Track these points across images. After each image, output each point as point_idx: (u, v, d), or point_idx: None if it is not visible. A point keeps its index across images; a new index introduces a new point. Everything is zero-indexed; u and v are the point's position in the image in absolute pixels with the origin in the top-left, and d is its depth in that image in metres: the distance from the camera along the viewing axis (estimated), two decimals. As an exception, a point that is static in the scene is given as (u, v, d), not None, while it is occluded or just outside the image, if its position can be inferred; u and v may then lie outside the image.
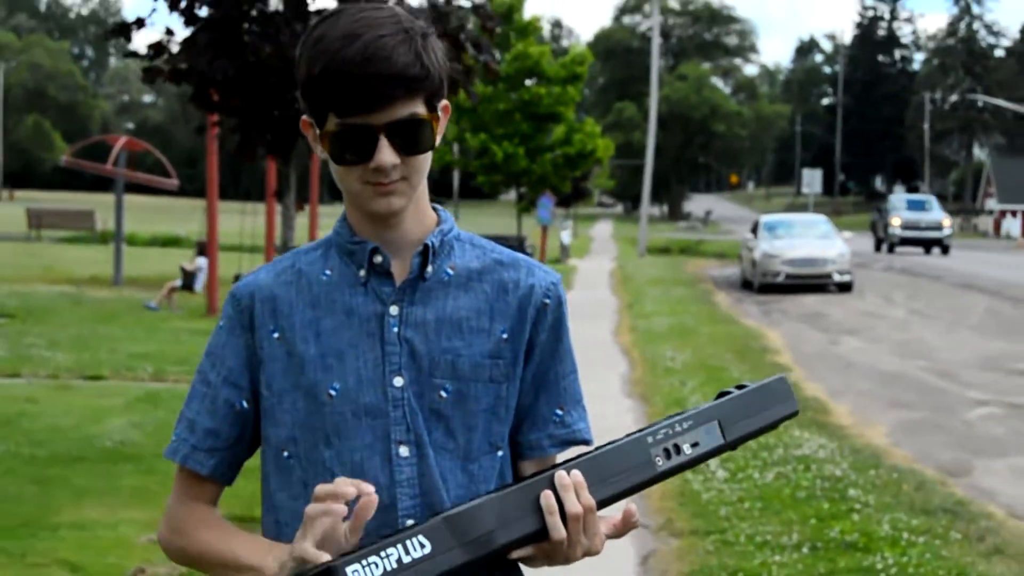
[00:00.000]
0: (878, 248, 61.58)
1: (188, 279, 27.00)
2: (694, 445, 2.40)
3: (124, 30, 11.65)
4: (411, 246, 2.49)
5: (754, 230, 38.95)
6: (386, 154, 2.34)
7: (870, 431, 13.65)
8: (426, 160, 2.43)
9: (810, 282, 35.25)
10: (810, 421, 13.86)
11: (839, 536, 9.00)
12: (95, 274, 34.03)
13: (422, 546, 2.14)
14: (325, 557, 2.17)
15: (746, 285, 37.84)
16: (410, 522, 2.36)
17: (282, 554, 2.31)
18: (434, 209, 2.57)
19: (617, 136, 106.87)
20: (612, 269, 43.82)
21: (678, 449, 2.38)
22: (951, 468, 11.89)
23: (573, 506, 2.27)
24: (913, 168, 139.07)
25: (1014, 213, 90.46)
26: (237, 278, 19.20)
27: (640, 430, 2.41)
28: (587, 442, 2.58)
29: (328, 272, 2.50)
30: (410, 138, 2.37)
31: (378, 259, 2.46)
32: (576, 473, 2.30)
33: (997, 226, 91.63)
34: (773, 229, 37.99)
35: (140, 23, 11.64)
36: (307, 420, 2.44)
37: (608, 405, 14.26)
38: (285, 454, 2.47)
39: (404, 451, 2.41)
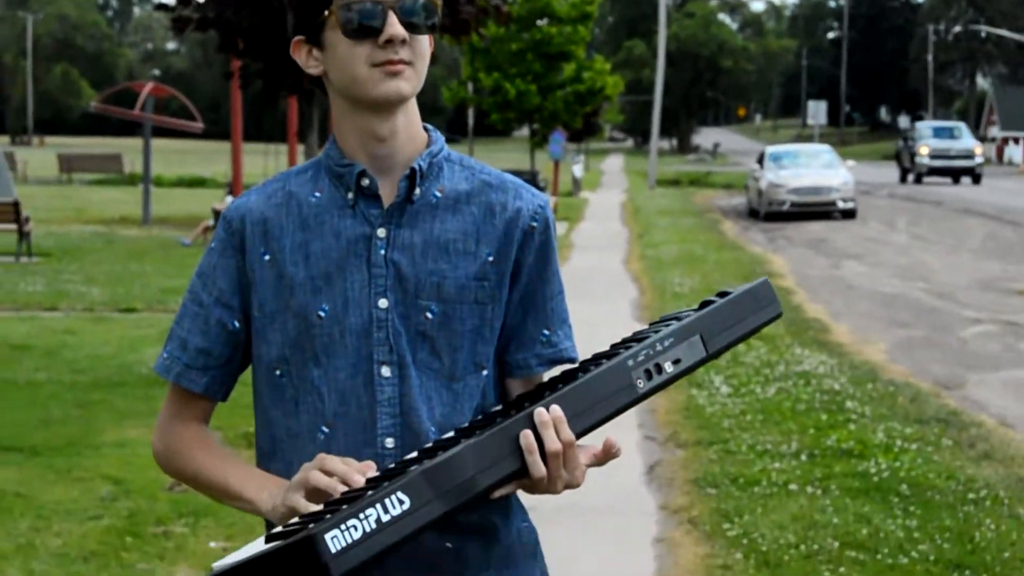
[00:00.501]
0: (904, 179, 57.49)
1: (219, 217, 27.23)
2: (676, 362, 2.31)
3: None
4: (401, 167, 2.46)
5: (760, 161, 38.99)
6: (396, 26, 2.33)
7: (868, 349, 13.88)
8: (428, 49, 2.43)
9: (815, 210, 35.34)
10: (811, 340, 14.10)
11: (835, 444, 9.26)
12: (125, 214, 34.32)
13: (401, 503, 2.07)
14: (313, 508, 2.19)
15: (752, 214, 37.93)
16: (389, 440, 2.40)
17: (277, 493, 2.33)
18: (425, 129, 2.53)
19: (627, 73, 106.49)
20: (623, 201, 43.92)
21: (659, 369, 2.30)
22: (945, 382, 12.11)
23: (553, 443, 2.21)
24: (917, 99, 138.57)
25: (1016, 140, 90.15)
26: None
27: (620, 351, 2.34)
28: (573, 360, 2.54)
29: (317, 194, 2.48)
30: (418, 15, 2.37)
31: (365, 182, 2.43)
32: (555, 408, 2.23)
33: (1000, 153, 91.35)
34: (778, 159, 38.13)
35: None
36: (297, 340, 2.43)
37: (617, 328, 14.44)
38: (277, 372, 2.46)
39: (386, 371, 2.40)
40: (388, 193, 2.44)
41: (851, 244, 27.88)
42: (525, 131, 59.50)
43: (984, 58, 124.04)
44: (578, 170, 51.31)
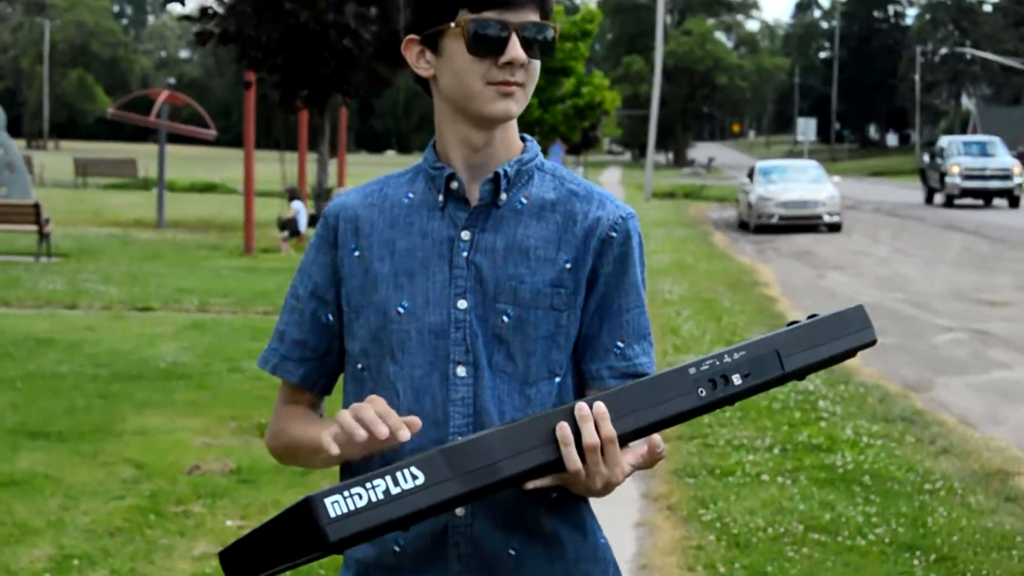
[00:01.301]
0: (930, 200, 49.98)
1: (290, 225, 27.00)
2: (745, 376, 2.26)
3: None
4: (492, 173, 2.46)
5: (750, 175, 39.20)
6: (518, 49, 2.33)
7: (845, 353, 14.21)
8: (538, 72, 2.42)
9: (801, 223, 35.58)
10: (790, 344, 14.47)
11: (806, 440, 9.65)
12: (139, 217, 34.63)
13: (414, 477, 2.02)
14: (335, 450, 2.19)
15: (743, 226, 38.13)
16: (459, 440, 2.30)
17: (318, 433, 2.32)
18: (523, 139, 2.52)
19: (626, 88, 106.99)
20: (619, 212, 44.08)
21: (726, 380, 2.25)
22: (914, 384, 12.47)
23: (591, 437, 2.17)
24: (905, 117, 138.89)
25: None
26: (281, 223, 19.99)
27: (685, 362, 2.30)
28: (647, 376, 2.44)
29: (411, 195, 2.48)
30: (538, 40, 2.37)
31: (454, 185, 2.43)
32: (599, 404, 2.19)
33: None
34: (768, 174, 38.31)
35: None
36: (377, 335, 2.42)
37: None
38: (359, 366, 2.47)
39: (461, 371, 2.37)
40: (476, 197, 2.44)
41: (835, 256, 28.16)
42: (525, 143, 59.75)
43: (969, 79, 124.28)
44: (575, 182, 51.58)
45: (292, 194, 28.19)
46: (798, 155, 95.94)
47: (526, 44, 2.34)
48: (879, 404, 11.11)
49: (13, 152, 31.20)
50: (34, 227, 22.93)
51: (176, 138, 39.38)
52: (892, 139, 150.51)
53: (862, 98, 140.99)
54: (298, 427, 2.49)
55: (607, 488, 2.23)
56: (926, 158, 52.18)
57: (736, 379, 2.25)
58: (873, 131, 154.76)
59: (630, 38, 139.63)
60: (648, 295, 2.56)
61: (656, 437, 2.25)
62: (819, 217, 35.63)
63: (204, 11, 12.15)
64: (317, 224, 2.56)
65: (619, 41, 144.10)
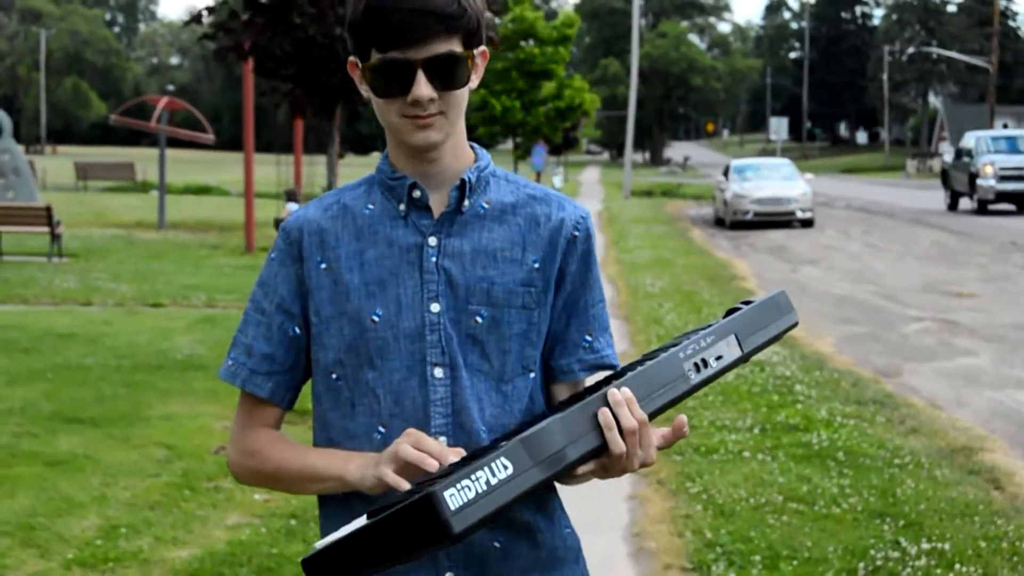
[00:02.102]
0: (954, 206, 42.83)
1: None
2: (718, 358, 2.35)
3: (198, 18, 13.06)
4: (449, 181, 2.45)
5: (725, 173, 39.38)
6: (423, 87, 2.29)
7: (818, 342, 14.64)
8: (462, 96, 2.38)
9: (775, 219, 35.84)
10: (768, 334, 14.89)
11: (784, 420, 10.09)
12: (140, 219, 34.83)
13: (505, 467, 2.05)
14: (405, 485, 2.17)
15: (719, 222, 38.32)
16: (442, 439, 2.36)
17: (365, 463, 2.31)
18: (471, 147, 2.52)
19: (603, 90, 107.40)
20: (599, 210, 44.39)
21: (705, 363, 2.33)
22: (884, 370, 12.87)
23: (628, 421, 2.20)
24: (874, 116, 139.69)
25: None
26: (277, 222, 20.33)
27: (669, 347, 2.37)
28: (613, 367, 2.52)
29: (371, 206, 2.46)
30: (446, 73, 2.32)
31: (416, 193, 2.41)
32: (626, 389, 2.23)
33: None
34: (742, 172, 38.54)
35: (211, 11, 13.04)
36: (352, 344, 2.41)
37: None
38: (333, 376, 2.43)
39: (439, 372, 2.37)
40: (437, 205, 2.43)
41: (808, 250, 28.43)
42: (509, 144, 60.19)
43: (936, 78, 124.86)
44: (558, 181, 52.20)
45: (290, 195, 28.64)
46: (771, 153, 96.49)
47: (437, 77, 2.31)
48: (852, 388, 11.54)
49: (19, 157, 31.52)
50: (46, 228, 23.24)
51: (170, 142, 39.74)
52: (862, 137, 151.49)
53: (832, 97, 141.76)
54: (288, 453, 2.45)
55: (642, 467, 2.26)
56: (948, 158, 45.17)
57: (712, 362, 2.34)
58: (843, 129, 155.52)
59: (606, 42, 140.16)
60: (631, 288, 2.78)
61: (682, 416, 2.27)
62: (792, 213, 35.91)
63: (220, 27, 12.63)
64: (276, 239, 2.53)
65: (596, 44, 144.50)
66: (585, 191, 66.03)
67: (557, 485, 2.44)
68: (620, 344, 13.46)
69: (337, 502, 2.43)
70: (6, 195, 29.93)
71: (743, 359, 2.39)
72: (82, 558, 6.63)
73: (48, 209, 23.27)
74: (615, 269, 23.35)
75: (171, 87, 34.38)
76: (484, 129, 52.86)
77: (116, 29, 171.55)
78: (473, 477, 2.01)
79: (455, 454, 2.19)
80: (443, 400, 2.37)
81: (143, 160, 65.62)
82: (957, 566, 6.60)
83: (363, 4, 2.30)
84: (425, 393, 2.37)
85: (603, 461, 2.23)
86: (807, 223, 35.92)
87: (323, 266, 2.44)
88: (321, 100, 12.94)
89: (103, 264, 22.52)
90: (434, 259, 2.40)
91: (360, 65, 2.38)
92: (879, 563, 6.65)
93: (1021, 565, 6.67)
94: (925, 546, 6.92)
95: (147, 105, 42.26)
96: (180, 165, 75.25)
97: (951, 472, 8.61)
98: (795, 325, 2.51)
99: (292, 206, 27.28)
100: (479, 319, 2.39)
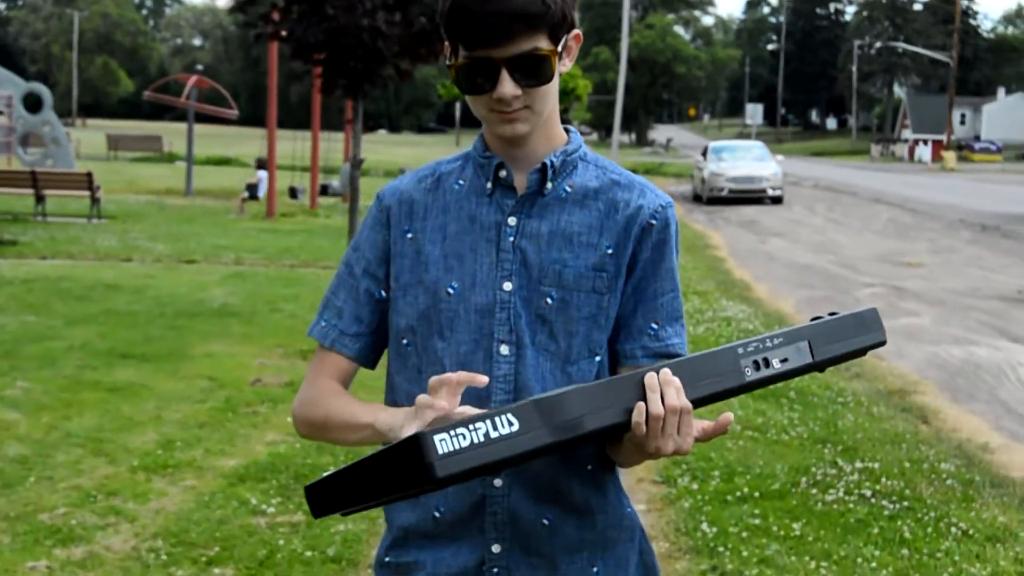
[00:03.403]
0: None
1: (252, 190, 28.39)
2: (783, 360, 2.18)
3: (243, 6, 13.75)
4: (536, 163, 2.33)
5: (704, 154, 39.82)
6: (507, 86, 2.18)
7: (780, 303, 15.26)
8: (550, 89, 2.26)
9: (748, 196, 36.33)
10: (736, 295, 15.53)
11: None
12: (169, 187, 35.40)
13: (510, 424, 1.91)
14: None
15: (697, 198, 38.76)
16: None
17: (391, 417, 2.19)
18: (566, 130, 2.40)
19: (594, 76, 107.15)
20: (589, 186, 44.71)
21: (767, 362, 2.17)
22: (837, 327, 13.49)
23: (656, 407, 2.03)
24: (843, 104, 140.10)
25: (925, 142, 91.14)
26: (291, 190, 21.08)
27: (733, 343, 2.22)
28: (679, 356, 2.32)
29: (461, 182, 2.36)
30: (530, 71, 2.20)
31: (503, 173, 2.31)
32: (665, 372, 2.06)
33: (911, 152, 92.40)
34: (719, 152, 38.95)
35: (252, 2, 13.74)
36: (426, 313, 2.31)
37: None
38: (404, 341, 2.34)
39: (504, 350, 2.26)
40: (521, 186, 2.33)
41: (777, 224, 28.94)
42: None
43: (901, 70, 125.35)
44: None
45: (260, 164, 29.21)
46: (747, 137, 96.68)
47: (520, 75, 2.20)
48: (806, 340, 12.14)
49: (59, 128, 32.13)
50: (87, 192, 23.79)
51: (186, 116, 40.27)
52: (832, 123, 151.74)
53: (805, 86, 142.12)
54: (339, 404, 2.35)
55: (676, 453, 2.09)
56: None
57: (776, 363, 2.19)
58: (815, 116, 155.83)
59: (598, 31, 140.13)
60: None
61: (729, 415, 2.13)
62: (764, 191, 36.40)
63: (262, 16, 13.34)
64: (371, 205, 2.45)
65: (588, 34, 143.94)
66: (575, 169, 66.30)
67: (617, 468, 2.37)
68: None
69: None
70: (45, 163, 30.53)
71: (814, 367, 2.23)
72: (145, 464, 7.25)
73: (89, 175, 23.82)
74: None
75: (200, 67, 34.83)
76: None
77: (144, 12, 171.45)
78: (472, 427, 1.89)
79: (461, 377, 2.07)
80: (506, 377, 2.26)
81: (167, 133, 65.92)
82: (884, 480, 7.26)
83: (449, 2, 2.19)
84: (489, 368, 2.26)
85: (632, 439, 2.09)
86: (777, 200, 36.43)
87: (409, 236, 2.36)
88: (349, 82, 13.59)
89: (139, 226, 23.05)
90: (511, 239, 2.30)
91: (449, 57, 2.27)
92: (819, 478, 7.30)
93: (937, 481, 7.33)
94: (859, 465, 7.58)
95: (172, 82, 42.75)
96: (200, 138, 75.14)
97: (886, 409, 9.27)
98: (882, 343, 2.35)
99: (261, 173, 28.01)
100: (549, 300, 2.27)
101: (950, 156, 71.43)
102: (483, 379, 2.07)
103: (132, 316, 12.45)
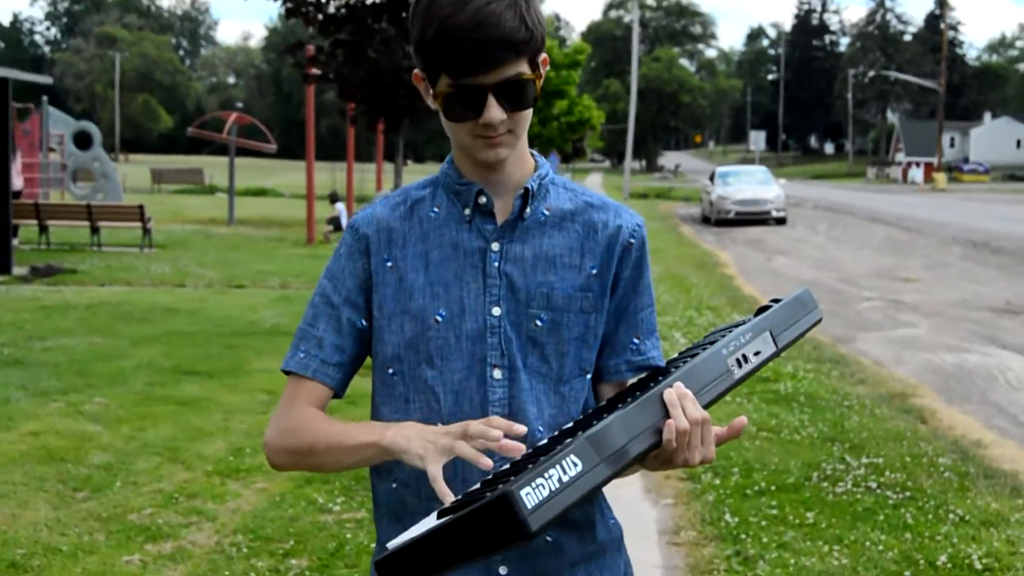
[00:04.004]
0: None
1: (335, 223, 28.45)
2: (756, 353, 2.15)
3: (293, 50, 14.16)
4: (512, 189, 2.24)
5: (711, 178, 40.11)
6: (495, 111, 2.09)
7: (787, 316, 15.44)
8: (529, 114, 2.18)
9: (754, 217, 36.49)
10: (745, 309, 15.74)
11: (758, 373, 10.94)
12: (212, 216, 35.63)
13: (575, 465, 1.82)
14: (450, 497, 1.91)
15: (705, 220, 39.01)
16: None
17: (404, 440, 2.02)
18: (532, 155, 2.31)
19: (605, 106, 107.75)
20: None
21: (746, 358, 2.13)
22: (840, 338, 13.75)
23: (682, 422, 1.96)
24: (840, 129, 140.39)
25: (918, 164, 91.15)
26: (331, 219, 21.27)
27: (704, 344, 2.20)
28: (658, 367, 2.29)
29: (436, 209, 2.26)
30: (516, 96, 2.12)
31: (482, 200, 2.22)
32: (680, 385, 2.00)
33: (905, 174, 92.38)
34: (725, 177, 39.20)
35: (300, 45, 14.15)
36: (413, 341, 2.20)
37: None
38: (390, 371, 2.22)
39: (497, 374, 2.17)
40: (500, 211, 2.24)
41: (781, 243, 29.06)
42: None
43: (893, 97, 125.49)
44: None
45: (333, 197, 29.49)
46: (750, 162, 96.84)
47: (506, 100, 2.11)
48: (813, 350, 12.41)
49: (108, 163, 32.51)
50: (139, 223, 24.10)
51: (224, 150, 40.59)
52: (829, 147, 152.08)
53: (804, 113, 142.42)
54: (326, 428, 2.16)
55: (703, 463, 2.04)
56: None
57: (752, 357, 2.15)
58: (813, 140, 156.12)
59: (608, 64, 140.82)
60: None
61: (743, 418, 2.09)
62: (768, 212, 36.54)
63: (311, 58, 13.75)
64: (344, 234, 2.33)
65: (600, 67, 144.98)
66: (589, 194, 66.38)
67: None
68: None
69: (390, 500, 2.26)
70: (96, 196, 30.86)
71: (776, 354, 2.20)
72: (219, 470, 7.56)
73: (141, 207, 24.11)
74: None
75: (240, 104, 35.27)
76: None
77: (181, 52, 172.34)
78: (546, 475, 1.78)
79: (503, 427, 1.94)
80: (501, 400, 2.17)
81: (206, 166, 66.43)
82: (888, 473, 7.53)
83: (432, 30, 2.07)
84: (483, 393, 2.17)
85: (662, 455, 2.01)
86: (781, 220, 36.58)
87: (389, 264, 2.24)
88: (389, 118, 13.97)
89: (188, 254, 23.28)
90: (496, 264, 2.20)
91: (428, 83, 2.16)
92: (828, 472, 7.58)
93: (936, 473, 7.60)
94: (865, 461, 7.85)
95: (212, 119, 43.11)
96: (238, 171, 75.67)
97: (888, 411, 9.52)
98: (820, 321, 2.32)
99: (339, 206, 28.17)
100: (539, 322, 2.20)
101: (941, 177, 71.68)
102: (521, 429, 1.94)
103: (191, 336, 12.75)
